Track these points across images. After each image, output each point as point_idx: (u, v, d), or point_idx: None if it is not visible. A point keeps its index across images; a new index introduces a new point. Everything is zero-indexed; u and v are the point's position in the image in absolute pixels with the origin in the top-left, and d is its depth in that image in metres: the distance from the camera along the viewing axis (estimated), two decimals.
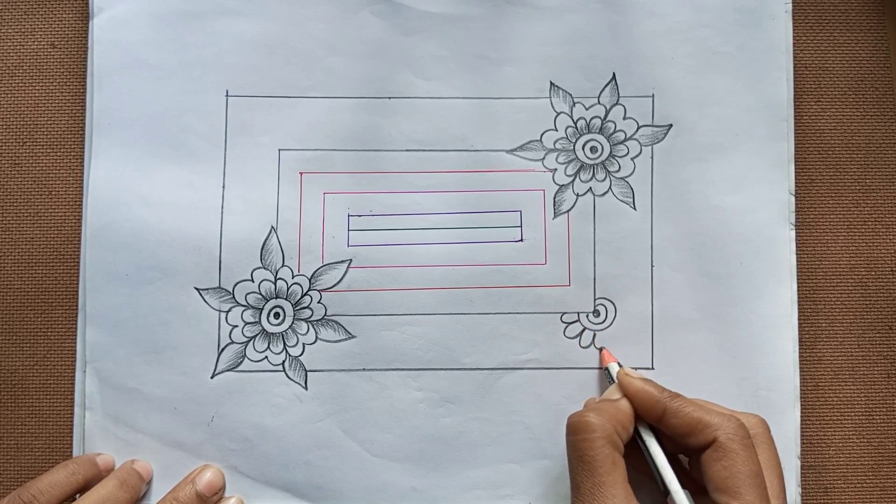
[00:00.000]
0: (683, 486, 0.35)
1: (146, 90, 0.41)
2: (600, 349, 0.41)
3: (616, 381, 0.38)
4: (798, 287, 0.42)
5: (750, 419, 0.36)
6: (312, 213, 0.41)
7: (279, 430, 0.41)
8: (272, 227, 0.41)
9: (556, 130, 0.42)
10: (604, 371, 0.40)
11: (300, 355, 0.41)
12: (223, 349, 0.41)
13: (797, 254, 0.42)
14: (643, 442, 0.37)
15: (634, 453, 0.37)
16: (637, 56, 0.42)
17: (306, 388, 0.41)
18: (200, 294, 0.41)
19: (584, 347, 0.41)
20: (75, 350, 0.41)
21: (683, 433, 0.35)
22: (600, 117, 0.42)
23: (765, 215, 0.41)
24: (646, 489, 0.37)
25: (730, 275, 0.41)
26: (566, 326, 0.41)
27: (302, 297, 0.41)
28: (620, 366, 0.40)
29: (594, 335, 0.41)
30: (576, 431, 0.35)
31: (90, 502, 0.37)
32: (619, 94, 0.42)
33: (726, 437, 0.34)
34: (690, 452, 0.36)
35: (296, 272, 0.41)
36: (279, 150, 0.42)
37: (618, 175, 0.42)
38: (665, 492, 0.36)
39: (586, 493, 0.34)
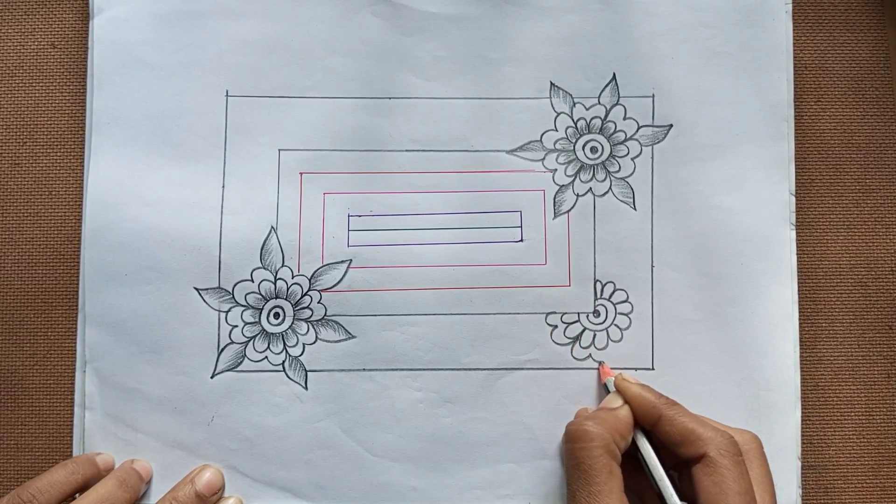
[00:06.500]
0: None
1: (146, 90, 0.41)
2: (599, 363, 0.41)
3: (614, 390, 0.38)
4: (798, 287, 0.42)
5: (742, 435, 0.37)
6: (312, 213, 0.41)
7: (279, 429, 0.41)
8: (272, 227, 0.41)
9: (557, 131, 0.42)
10: (603, 386, 0.40)
11: (300, 355, 0.41)
12: (223, 349, 0.41)
13: (797, 254, 0.42)
14: (641, 453, 0.37)
15: (631, 464, 0.37)
16: (637, 56, 0.42)
17: (306, 388, 0.41)
18: (200, 294, 0.41)
19: (584, 348, 0.41)
20: (75, 350, 0.41)
21: (676, 442, 0.36)
22: (600, 117, 0.42)
23: (765, 215, 0.41)
24: (641, 501, 0.38)
25: (730, 275, 0.41)
26: (566, 327, 0.41)
27: (302, 297, 0.41)
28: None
29: (594, 335, 0.41)
30: (574, 440, 0.36)
31: (89, 502, 0.37)
32: (619, 94, 0.42)
33: (717, 453, 0.34)
34: (681, 466, 0.36)
35: (296, 272, 0.41)
36: (279, 150, 0.42)
37: (618, 175, 0.42)
38: (662, 502, 0.36)
39: (582, 502, 0.34)
